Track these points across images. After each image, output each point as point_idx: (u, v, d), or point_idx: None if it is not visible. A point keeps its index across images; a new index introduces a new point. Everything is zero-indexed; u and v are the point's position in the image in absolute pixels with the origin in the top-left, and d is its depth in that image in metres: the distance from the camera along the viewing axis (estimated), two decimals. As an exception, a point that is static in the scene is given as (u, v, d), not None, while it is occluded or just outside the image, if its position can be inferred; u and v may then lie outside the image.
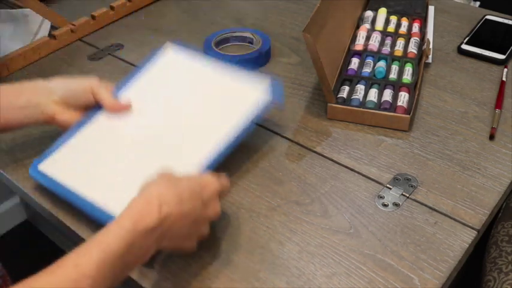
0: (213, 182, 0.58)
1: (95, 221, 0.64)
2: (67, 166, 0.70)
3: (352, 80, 0.84)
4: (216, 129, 0.69)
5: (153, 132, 0.72)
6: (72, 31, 1.01)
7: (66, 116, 0.71)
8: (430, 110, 0.82)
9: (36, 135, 0.80)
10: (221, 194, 0.60)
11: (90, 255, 0.48)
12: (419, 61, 0.87)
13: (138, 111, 0.75)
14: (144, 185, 0.55)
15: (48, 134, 0.80)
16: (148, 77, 0.80)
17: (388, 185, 0.69)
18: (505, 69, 0.88)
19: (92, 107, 0.74)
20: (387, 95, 0.80)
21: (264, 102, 0.71)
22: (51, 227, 0.73)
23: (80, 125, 0.73)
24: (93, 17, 1.04)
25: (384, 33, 0.94)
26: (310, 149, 0.76)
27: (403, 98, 0.80)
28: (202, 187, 0.57)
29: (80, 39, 1.02)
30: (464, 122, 0.79)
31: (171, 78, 0.79)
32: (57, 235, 1.52)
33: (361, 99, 0.80)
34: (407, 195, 0.68)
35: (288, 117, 0.81)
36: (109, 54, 0.98)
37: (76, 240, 0.66)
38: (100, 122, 0.74)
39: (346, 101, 0.80)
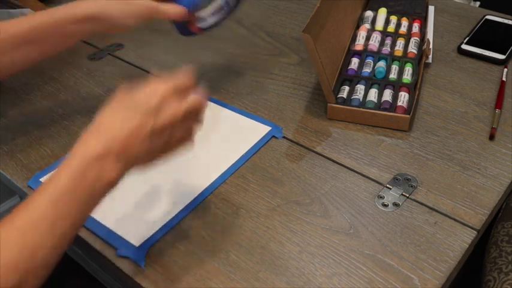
0: (160, 88, 0.54)
1: (93, 233, 0.65)
2: None
3: (352, 80, 0.84)
4: (219, 160, 0.74)
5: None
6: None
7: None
8: (430, 110, 0.82)
9: (36, 135, 0.80)
10: (183, 91, 0.56)
11: (43, 195, 0.48)
12: (419, 61, 0.87)
13: None
14: (95, 118, 0.54)
15: (48, 134, 0.80)
16: None
17: (388, 185, 0.69)
18: (505, 69, 0.88)
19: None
20: (387, 95, 0.80)
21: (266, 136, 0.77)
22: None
23: None
24: (93, 17, 1.03)
25: (384, 33, 0.94)
26: (310, 149, 0.76)
27: (403, 98, 0.80)
28: (148, 98, 0.54)
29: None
30: (464, 122, 0.79)
31: None
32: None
33: (361, 99, 0.80)
34: (407, 195, 0.68)
35: (288, 117, 0.81)
36: (109, 54, 0.98)
37: (76, 240, 0.67)
38: None
39: (346, 101, 0.80)
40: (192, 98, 0.56)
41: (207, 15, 0.78)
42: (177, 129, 0.55)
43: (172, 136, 0.55)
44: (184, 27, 0.78)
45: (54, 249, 0.48)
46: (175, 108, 0.55)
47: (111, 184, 0.52)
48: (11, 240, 0.46)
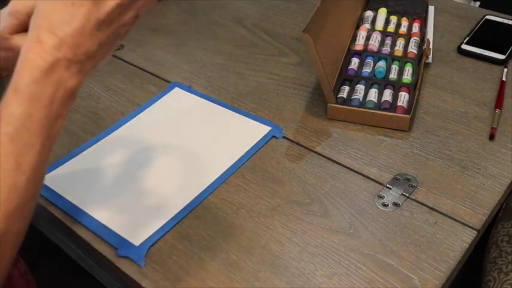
0: None
1: (93, 233, 0.65)
2: (68, 182, 0.72)
3: (352, 80, 0.84)
4: (219, 160, 0.74)
5: (157, 162, 0.75)
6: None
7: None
8: (430, 110, 0.82)
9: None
10: None
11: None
12: (419, 61, 0.87)
13: (143, 141, 0.78)
14: (37, 9, 0.47)
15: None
16: (153, 113, 0.83)
17: (388, 185, 0.69)
18: (505, 69, 0.88)
19: None
20: (387, 95, 0.80)
21: (264, 136, 0.77)
22: (51, 226, 0.73)
23: (85, 146, 0.77)
24: (93, 17, 1.03)
25: (384, 33, 0.94)
26: (310, 149, 0.76)
27: (403, 98, 0.80)
28: None
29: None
30: (464, 122, 0.79)
31: (176, 115, 0.83)
32: (57, 235, 1.51)
33: (361, 99, 0.80)
34: (407, 195, 0.68)
35: (288, 117, 0.81)
36: (109, 54, 0.98)
37: (76, 240, 0.67)
38: (105, 146, 0.77)
39: (346, 101, 0.80)
40: None
41: None
42: (125, 14, 0.49)
43: (120, 22, 0.49)
44: None
45: (29, 184, 0.44)
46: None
47: (71, 93, 0.46)
48: None
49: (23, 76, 0.44)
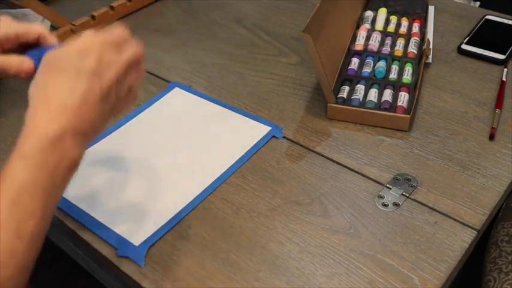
0: (90, 46, 0.49)
1: (93, 233, 0.65)
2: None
3: (352, 80, 0.84)
4: (219, 160, 0.74)
5: (157, 162, 0.74)
6: (72, 31, 1.01)
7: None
8: (430, 110, 0.82)
9: (36, 135, 0.80)
10: (117, 43, 0.52)
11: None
12: (419, 61, 0.87)
13: (143, 141, 0.78)
14: (33, 85, 0.49)
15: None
16: (153, 113, 0.83)
17: (388, 185, 0.69)
18: (505, 69, 0.88)
19: None
20: (387, 95, 0.80)
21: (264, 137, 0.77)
22: (51, 226, 0.73)
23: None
24: (93, 17, 1.03)
25: (384, 33, 0.94)
26: (310, 149, 0.76)
27: (403, 98, 0.80)
28: (81, 61, 0.48)
29: (80, 39, 1.02)
30: (464, 122, 0.79)
31: (176, 115, 0.83)
32: (57, 235, 1.51)
33: (361, 99, 0.80)
34: (407, 195, 0.68)
35: (288, 117, 0.81)
36: (109, 54, 0.98)
37: (76, 241, 0.67)
38: (105, 144, 0.77)
39: (346, 101, 0.80)
40: (130, 49, 0.52)
41: None
42: (122, 84, 0.51)
43: (118, 93, 0.51)
44: None
45: (27, 251, 0.44)
46: (116, 62, 0.50)
47: (75, 164, 0.47)
48: None
49: (30, 143, 0.45)
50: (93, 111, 0.48)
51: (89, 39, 0.50)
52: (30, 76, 0.54)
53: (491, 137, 0.76)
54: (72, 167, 0.47)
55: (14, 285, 0.43)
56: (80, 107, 0.47)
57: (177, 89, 0.88)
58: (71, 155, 0.47)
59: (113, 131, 0.79)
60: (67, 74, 0.48)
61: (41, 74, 0.49)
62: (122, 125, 0.80)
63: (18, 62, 0.54)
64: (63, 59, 0.49)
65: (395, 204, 0.67)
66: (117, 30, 0.53)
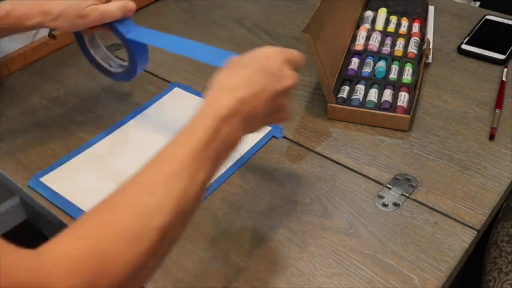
0: (277, 53, 0.56)
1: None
2: (68, 181, 0.72)
3: (352, 80, 0.84)
4: None
5: None
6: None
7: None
8: (430, 110, 0.82)
9: (36, 135, 0.80)
10: (294, 63, 0.57)
11: (183, 147, 0.48)
12: (419, 61, 0.87)
13: (143, 141, 0.78)
14: (213, 79, 0.54)
15: (48, 134, 0.80)
16: (153, 113, 0.83)
17: (388, 185, 0.69)
18: (505, 69, 0.88)
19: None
20: (387, 95, 0.80)
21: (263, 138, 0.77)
22: (51, 227, 0.73)
23: (85, 146, 0.77)
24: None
25: (384, 33, 0.94)
26: (310, 149, 0.76)
27: (403, 98, 0.80)
28: (267, 61, 0.55)
29: (80, 39, 1.02)
30: (464, 122, 0.79)
31: (176, 115, 0.82)
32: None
33: (361, 99, 0.80)
34: (407, 195, 0.68)
35: (288, 117, 0.81)
36: (109, 54, 0.98)
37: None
38: (105, 144, 0.77)
39: (346, 101, 0.80)
40: (296, 74, 0.56)
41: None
42: (285, 98, 0.56)
43: (283, 103, 0.56)
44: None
45: (194, 200, 0.48)
46: (292, 78, 0.55)
47: (235, 144, 0.52)
48: (157, 188, 0.46)
49: (209, 112, 0.50)
50: (260, 107, 0.53)
51: (274, 50, 0.56)
52: (130, 15, 0.73)
53: (491, 137, 0.76)
54: (233, 146, 0.52)
55: (181, 225, 0.48)
56: (254, 98, 0.52)
57: (177, 89, 0.87)
58: (236, 135, 0.51)
59: (114, 130, 0.79)
60: (250, 69, 0.53)
61: (223, 71, 0.54)
62: (122, 125, 0.80)
63: (123, 3, 0.70)
64: (249, 59, 0.55)
65: (395, 204, 0.67)
66: (298, 53, 0.58)
